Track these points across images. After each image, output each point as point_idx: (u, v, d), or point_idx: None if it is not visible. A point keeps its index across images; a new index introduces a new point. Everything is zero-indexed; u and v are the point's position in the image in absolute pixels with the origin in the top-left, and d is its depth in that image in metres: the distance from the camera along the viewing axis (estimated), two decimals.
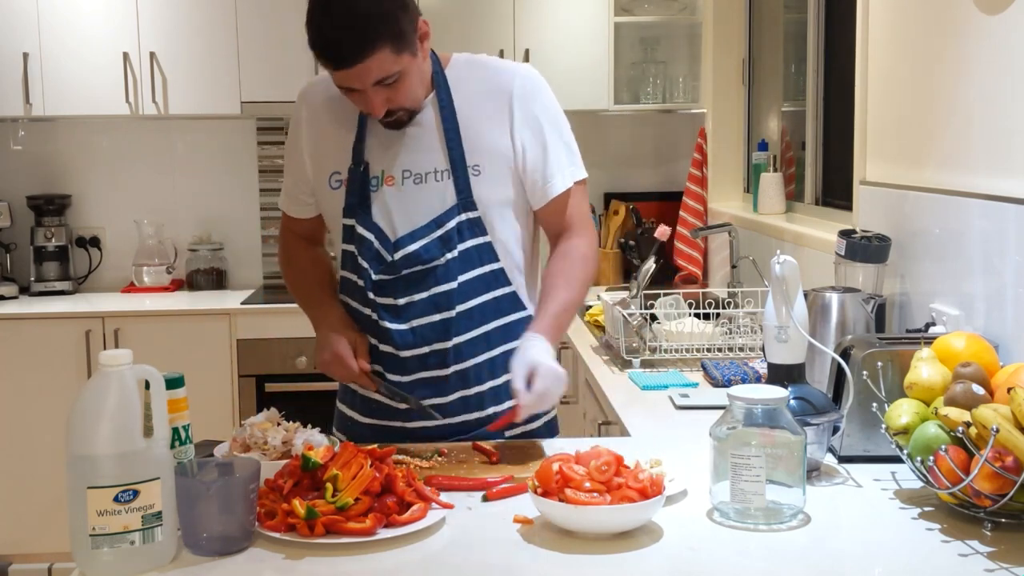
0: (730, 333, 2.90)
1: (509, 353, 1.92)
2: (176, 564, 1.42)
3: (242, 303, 4.11)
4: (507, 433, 1.97)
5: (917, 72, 2.40)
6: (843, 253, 2.44)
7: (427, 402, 1.99)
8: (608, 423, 2.54)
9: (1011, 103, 1.99)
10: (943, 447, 1.53)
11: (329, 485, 1.50)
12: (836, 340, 2.18)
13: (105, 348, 3.75)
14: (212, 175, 4.60)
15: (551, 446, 1.92)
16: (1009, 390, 1.50)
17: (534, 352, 1.85)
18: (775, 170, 3.89)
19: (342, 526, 1.47)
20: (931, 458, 1.54)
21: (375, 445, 1.65)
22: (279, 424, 1.83)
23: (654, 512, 1.53)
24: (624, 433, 2.21)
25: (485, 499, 1.66)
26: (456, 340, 1.97)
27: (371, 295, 1.97)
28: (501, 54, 4.26)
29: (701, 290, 3.14)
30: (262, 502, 1.52)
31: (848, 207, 2.90)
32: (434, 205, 1.96)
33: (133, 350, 1.41)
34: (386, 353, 1.98)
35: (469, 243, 1.97)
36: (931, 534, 1.53)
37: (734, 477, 1.55)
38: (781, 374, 1.79)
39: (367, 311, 1.99)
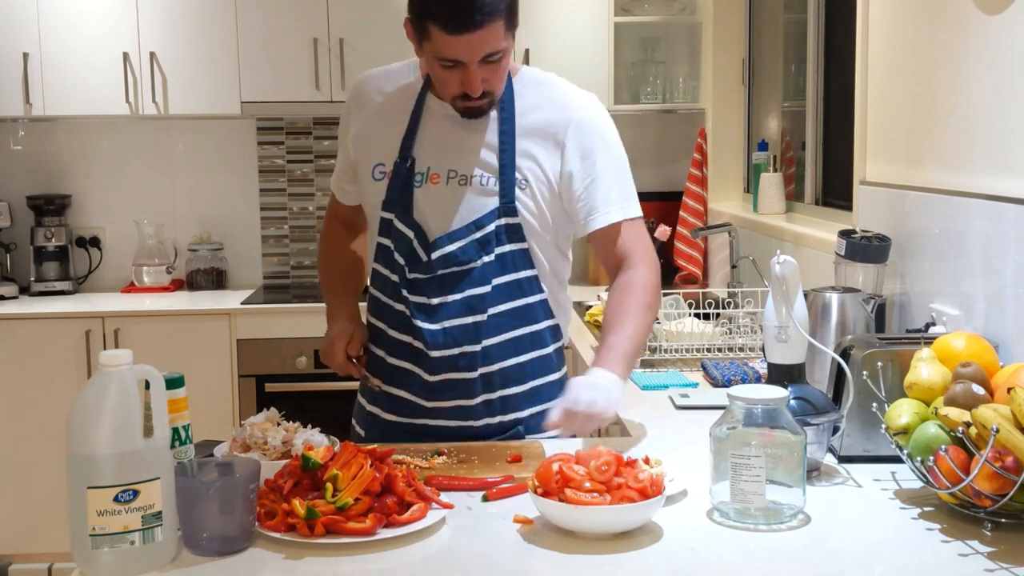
0: (730, 333, 2.90)
1: (537, 359, 1.99)
2: (176, 564, 1.42)
3: (242, 303, 4.11)
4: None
5: (917, 72, 2.40)
6: (843, 253, 2.44)
7: (451, 404, 2.00)
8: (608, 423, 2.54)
9: (1011, 103, 1.98)
10: (943, 447, 1.53)
11: (329, 485, 1.50)
12: (836, 340, 2.18)
13: (105, 348, 3.75)
14: (212, 175, 4.60)
15: (551, 446, 1.93)
16: (1009, 390, 1.50)
17: (580, 382, 1.84)
18: (775, 170, 3.89)
19: (342, 526, 1.47)
20: (931, 458, 1.54)
21: (375, 445, 1.65)
22: (279, 424, 1.83)
23: (654, 512, 1.53)
24: (624, 433, 2.20)
25: (485, 499, 1.66)
26: (486, 343, 1.97)
27: (404, 292, 1.98)
28: None
29: (701, 290, 3.14)
30: (262, 502, 1.52)
31: (848, 207, 2.90)
32: (475, 208, 1.96)
33: (133, 350, 1.41)
34: (416, 350, 1.99)
35: (507, 248, 1.96)
36: (931, 534, 1.53)
37: (734, 477, 1.55)
38: (781, 374, 1.79)
39: (400, 307, 2.00)
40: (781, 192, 3.82)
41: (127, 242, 4.53)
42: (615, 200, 2.01)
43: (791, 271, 1.77)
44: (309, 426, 1.84)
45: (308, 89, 4.21)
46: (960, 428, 1.51)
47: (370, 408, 2.11)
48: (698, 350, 2.83)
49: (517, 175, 1.96)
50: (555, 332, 2.06)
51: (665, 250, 4.35)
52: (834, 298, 2.27)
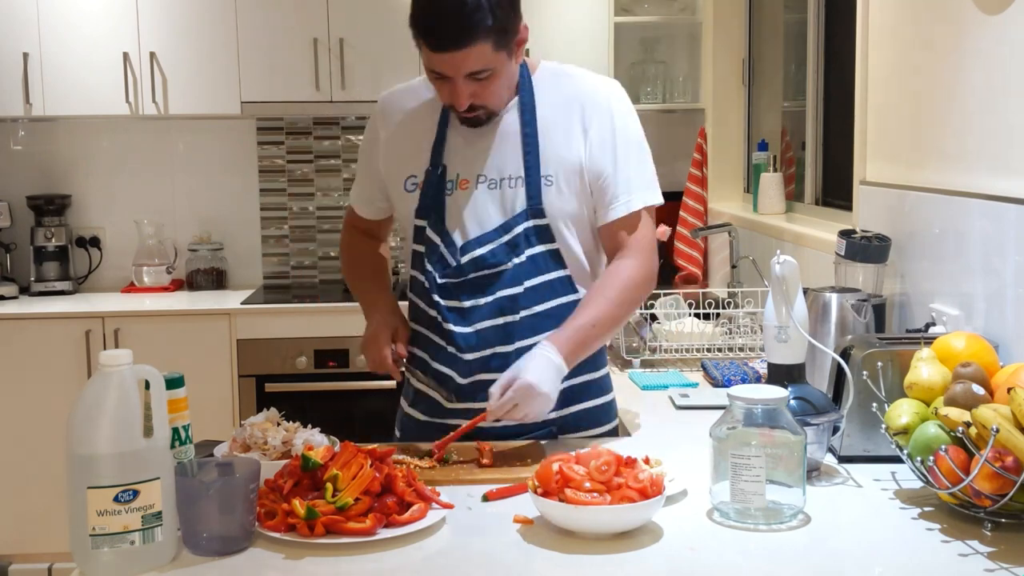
0: (730, 333, 2.90)
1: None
2: (176, 564, 1.43)
3: (242, 303, 4.11)
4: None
5: (917, 72, 2.40)
6: (843, 253, 2.44)
7: (483, 404, 1.97)
8: None
9: (1011, 103, 1.98)
10: (943, 447, 1.53)
11: (329, 485, 1.50)
12: (836, 340, 2.18)
13: (105, 348, 3.75)
14: (212, 175, 4.60)
15: (551, 446, 1.93)
16: (1009, 390, 1.50)
17: (528, 363, 1.84)
18: (775, 170, 3.89)
19: (342, 526, 1.47)
20: (931, 458, 1.54)
21: (375, 445, 1.65)
22: (279, 424, 1.83)
23: (654, 512, 1.53)
24: (624, 433, 2.21)
25: (485, 499, 1.66)
26: (519, 344, 1.96)
27: (436, 297, 1.98)
28: None
29: (701, 290, 3.14)
30: (262, 502, 1.52)
31: (848, 207, 2.90)
32: (503, 210, 1.96)
33: (133, 350, 1.41)
34: (449, 355, 1.99)
35: (536, 249, 1.96)
36: (931, 534, 1.53)
37: (734, 477, 1.55)
38: (781, 374, 1.79)
39: (432, 312, 2.00)
40: (781, 192, 3.82)
41: (127, 242, 4.53)
42: (635, 187, 2.00)
43: (791, 271, 1.77)
44: (309, 426, 1.84)
45: (308, 89, 4.21)
46: (960, 428, 1.51)
47: (408, 410, 2.13)
48: (698, 350, 2.83)
49: (543, 174, 1.96)
50: None
51: (665, 250, 4.34)
52: (834, 298, 2.27)
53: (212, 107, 4.26)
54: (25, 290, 4.38)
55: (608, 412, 2.11)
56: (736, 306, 2.99)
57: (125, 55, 4.16)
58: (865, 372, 1.83)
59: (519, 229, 1.95)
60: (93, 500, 1.36)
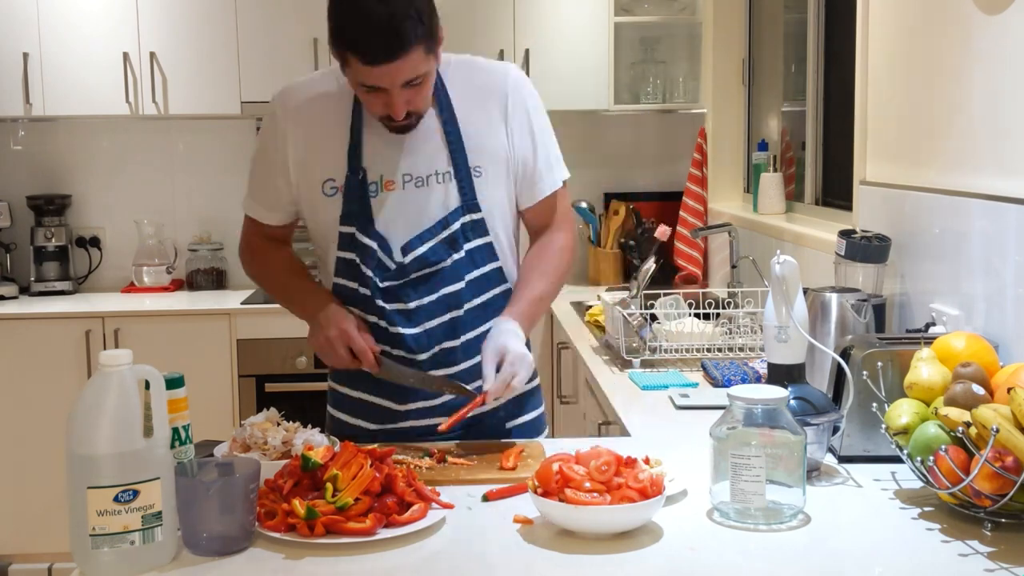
0: (730, 333, 2.89)
1: None
2: (176, 564, 1.43)
3: (242, 303, 4.11)
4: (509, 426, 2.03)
5: (917, 72, 2.40)
6: (843, 253, 2.44)
7: (439, 401, 2.00)
8: (608, 423, 2.54)
9: (1011, 103, 1.98)
10: (943, 447, 1.53)
11: (329, 485, 1.50)
12: (836, 340, 2.18)
13: (105, 348, 3.75)
14: (212, 175, 4.60)
15: (551, 446, 1.92)
16: (1009, 390, 1.50)
17: (504, 337, 1.88)
18: (775, 170, 3.89)
19: (342, 526, 1.47)
20: (931, 458, 1.54)
21: (375, 445, 1.65)
22: (279, 424, 1.83)
23: (654, 512, 1.53)
24: (624, 433, 2.21)
25: (485, 499, 1.66)
26: (464, 338, 1.99)
27: (380, 302, 1.97)
28: (501, 54, 4.26)
29: (701, 290, 3.14)
30: (262, 502, 1.52)
31: (848, 207, 2.90)
32: (437, 207, 1.96)
33: (133, 350, 1.41)
34: (398, 358, 1.98)
35: (473, 243, 1.98)
36: (931, 534, 1.53)
37: (734, 477, 1.55)
38: (781, 374, 1.79)
39: (373, 318, 1.98)
40: (781, 192, 3.82)
41: (127, 242, 4.53)
42: (554, 166, 2.08)
43: (791, 271, 1.77)
44: (309, 426, 1.84)
45: None
46: (960, 428, 1.51)
47: (346, 418, 2.08)
48: (698, 350, 2.83)
49: (471, 165, 1.97)
50: None
51: (665, 250, 4.35)
52: (834, 298, 2.27)
53: (212, 107, 4.26)
54: (25, 290, 4.38)
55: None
56: (736, 306, 2.99)
57: (125, 55, 4.16)
58: (865, 372, 1.82)
59: (456, 225, 1.97)
60: (93, 500, 1.36)
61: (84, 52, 4.15)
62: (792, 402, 1.70)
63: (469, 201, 1.97)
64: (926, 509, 1.62)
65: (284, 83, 2.07)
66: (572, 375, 3.53)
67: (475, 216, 1.98)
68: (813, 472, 1.76)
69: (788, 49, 4.08)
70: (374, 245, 1.96)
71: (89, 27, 4.15)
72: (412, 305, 1.97)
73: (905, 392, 1.71)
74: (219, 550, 1.45)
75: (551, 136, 2.09)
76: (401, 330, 1.97)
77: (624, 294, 2.99)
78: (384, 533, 1.49)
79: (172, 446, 1.49)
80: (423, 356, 1.98)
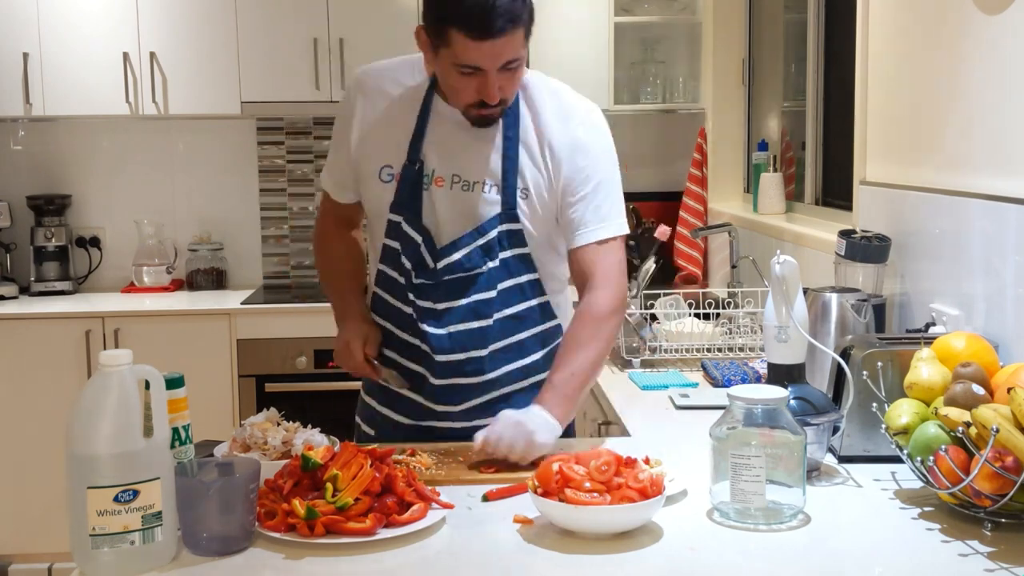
0: (730, 333, 2.89)
1: (542, 359, 2.01)
2: (176, 564, 1.43)
3: (242, 303, 4.11)
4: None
5: (917, 72, 2.40)
6: (843, 253, 2.44)
7: (459, 408, 2.01)
8: (608, 423, 2.54)
9: (1011, 103, 1.98)
10: (943, 447, 1.53)
11: (329, 485, 1.50)
12: (836, 340, 2.18)
13: (105, 348, 3.75)
14: (212, 175, 4.60)
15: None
16: (1009, 390, 1.50)
17: (509, 417, 1.80)
18: (775, 170, 3.89)
19: (342, 526, 1.47)
20: (931, 458, 1.54)
21: (375, 445, 1.65)
22: (279, 424, 1.83)
23: (654, 512, 1.53)
24: (624, 433, 2.21)
25: (485, 499, 1.66)
26: (492, 347, 1.99)
27: (411, 296, 1.98)
28: None
29: (701, 290, 3.14)
30: (262, 502, 1.52)
31: (848, 207, 2.90)
32: (478, 213, 1.96)
33: (133, 350, 1.41)
34: (422, 353, 2.00)
35: (509, 253, 1.97)
36: (931, 534, 1.53)
37: (734, 477, 1.55)
38: (781, 374, 1.79)
39: (408, 310, 2.00)
40: (781, 192, 3.82)
41: (127, 242, 4.53)
42: (602, 218, 1.97)
43: (791, 271, 1.77)
44: (309, 426, 1.84)
45: (308, 89, 4.21)
46: (960, 428, 1.51)
47: (381, 410, 2.12)
48: (698, 350, 2.83)
49: (519, 183, 1.96)
50: (557, 333, 2.06)
51: (665, 250, 4.34)
52: (834, 298, 2.27)
53: (212, 107, 4.26)
54: (25, 290, 4.38)
55: None
56: (736, 306, 2.99)
57: (125, 55, 4.16)
58: (865, 372, 1.83)
59: (493, 233, 1.96)
60: (93, 500, 1.36)
61: (84, 52, 4.15)
62: (792, 402, 1.70)
63: (509, 211, 1.95)
64: (926, 509, 1.62)
65: (367, 63, 2.09)
66: None
67: (513, 226, 1.96)
68: (813, 472, 1.76)
69: (788, 49, 4.08)
70: (418, 238, 1.97)
71: (89, 27, 4.15)
72: (441, 307, 1.97)
73: (905, 392, 1.71)
74: (219, 550, 1.45)
75: (607, 188, 1.98)
76: (427, 328, 1.98)
77: None
78: (384, 533, 1.49)
79: (172, 446, 1.49)
80: (443, 358, 1.98)
